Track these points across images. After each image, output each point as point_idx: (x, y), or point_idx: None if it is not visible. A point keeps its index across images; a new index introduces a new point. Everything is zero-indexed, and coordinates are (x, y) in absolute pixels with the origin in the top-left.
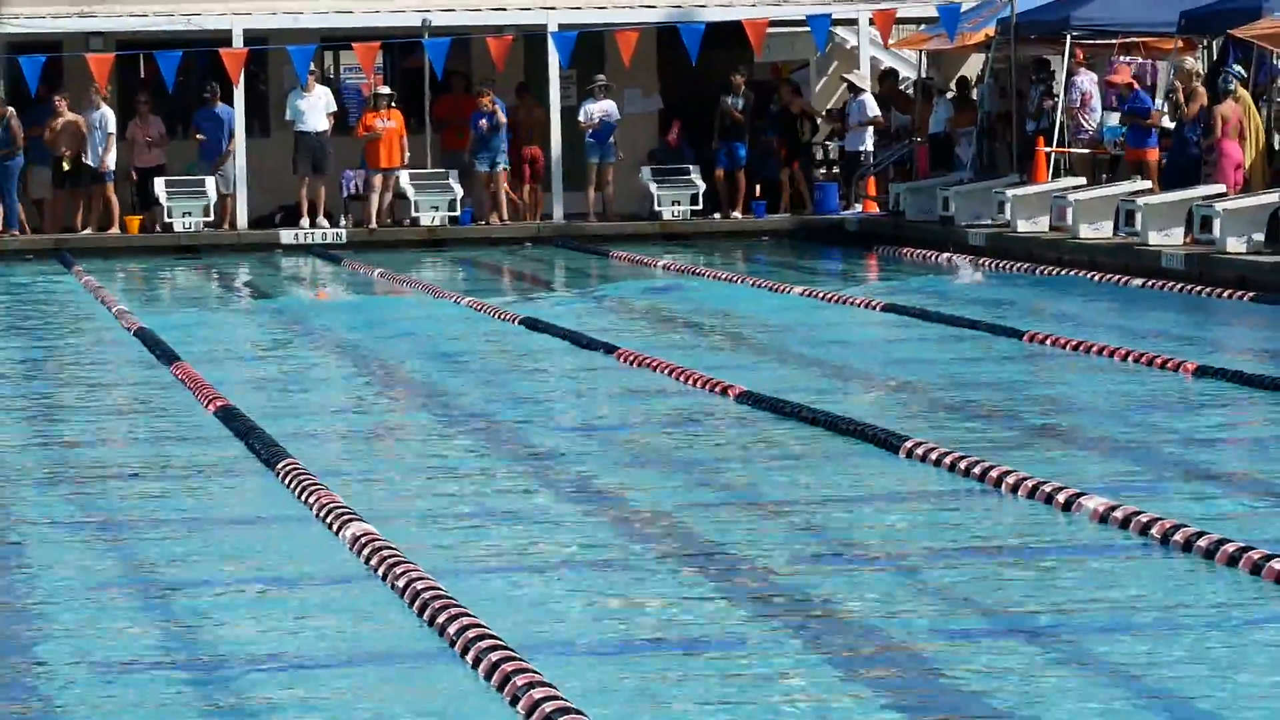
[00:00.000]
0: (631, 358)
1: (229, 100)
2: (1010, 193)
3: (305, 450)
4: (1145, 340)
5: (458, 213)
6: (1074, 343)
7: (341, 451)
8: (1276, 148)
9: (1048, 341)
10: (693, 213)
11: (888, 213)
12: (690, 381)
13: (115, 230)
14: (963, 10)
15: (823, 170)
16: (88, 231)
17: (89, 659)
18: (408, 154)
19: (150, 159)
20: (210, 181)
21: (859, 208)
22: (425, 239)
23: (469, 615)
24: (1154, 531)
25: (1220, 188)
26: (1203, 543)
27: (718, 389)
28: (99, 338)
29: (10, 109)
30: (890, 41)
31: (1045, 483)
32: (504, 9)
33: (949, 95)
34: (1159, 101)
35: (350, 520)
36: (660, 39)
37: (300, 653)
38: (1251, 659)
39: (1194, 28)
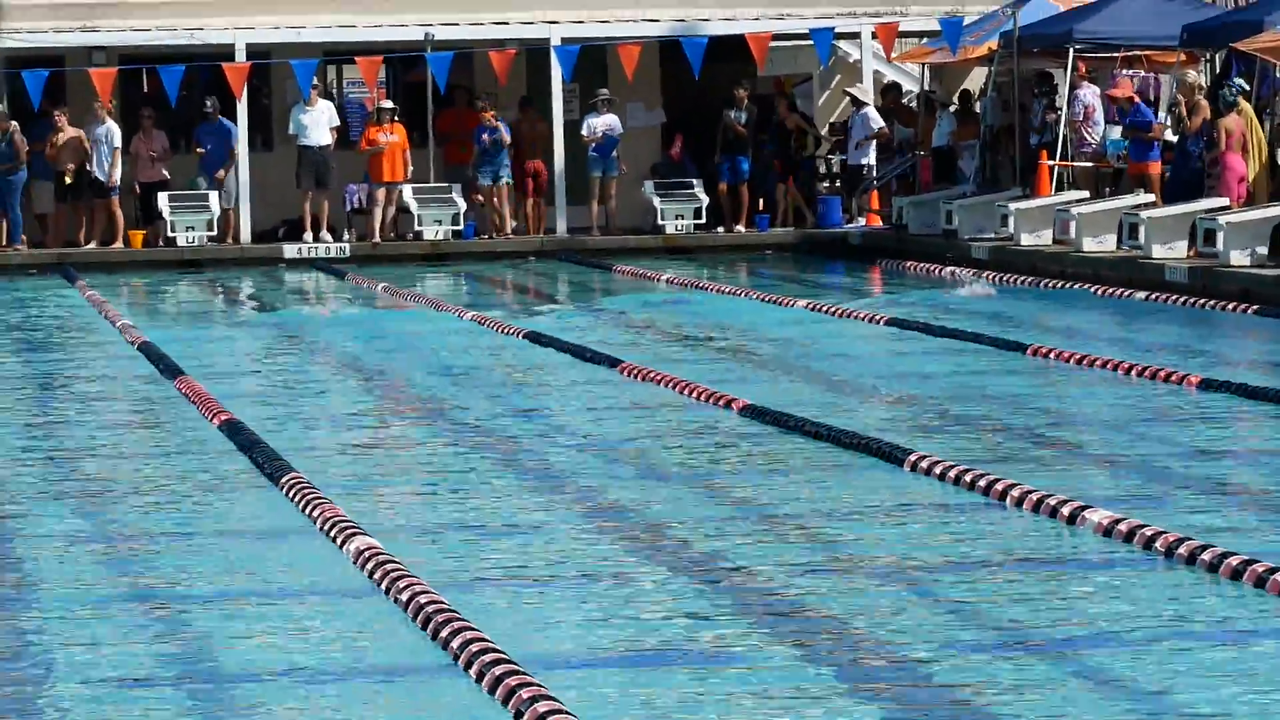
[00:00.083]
0: (635, 372)
1: (230, 114)
2: (1013, 206)
3: (309, 464)
4: (1149, 353)
5: (461, 226)
6: (1077, 356)
7: (345, 465)
8: (1279, 161)
9: (1051, 355)
10: (696, 226)
11: (891, 226)
12: (694, 395)
13: (119, 244)
14: (965, 24)
15: (826, 184)
16: (91, 246)
17: (92, 673)
18: (411, 168)
19: (154, 173)
20: (214, 196)
21: (862, 221)
22: (428, 253)
23: (472, 629)
24: (1158, 545)
25: (1223, 201)
26: (1207, 556)
27: (721, 402)
28: (103, 352)
29: (13, 123)
30: (893, 55)
31: (1049, 496)
32: (507, 23)
33: (952, 109)
34: (1162, 115)
35: (354, 534)
36: (663, 53)
37: (303, 666)
38: (1256, 672)
39: (1196, 41)
